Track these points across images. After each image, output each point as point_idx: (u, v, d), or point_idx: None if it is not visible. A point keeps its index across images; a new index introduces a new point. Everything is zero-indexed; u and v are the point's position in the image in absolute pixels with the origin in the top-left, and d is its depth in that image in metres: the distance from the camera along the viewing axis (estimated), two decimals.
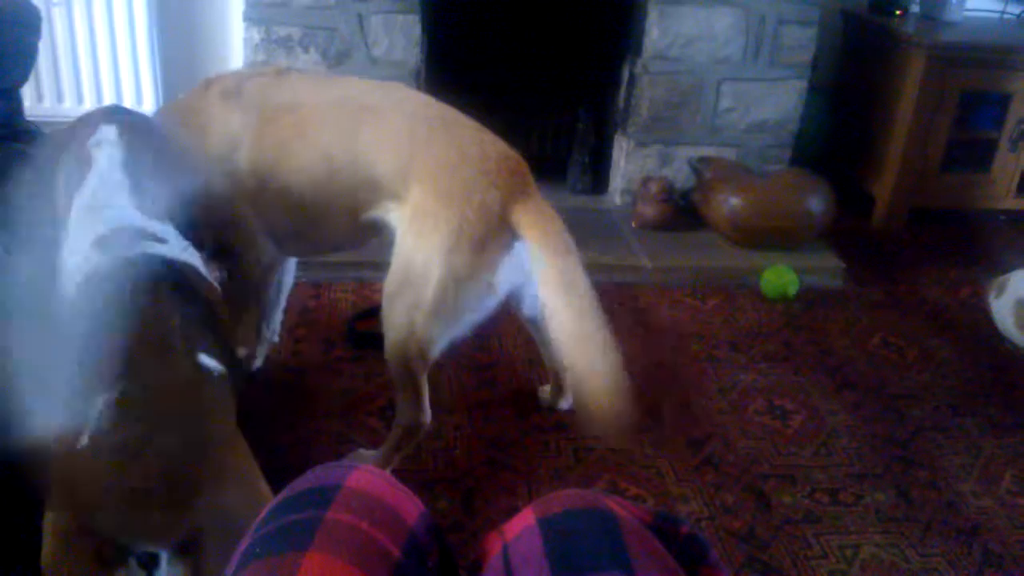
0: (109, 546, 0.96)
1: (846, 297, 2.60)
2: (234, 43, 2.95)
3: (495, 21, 2.83)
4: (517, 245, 1.57)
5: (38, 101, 2.83)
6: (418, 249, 1.54)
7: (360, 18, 2.63)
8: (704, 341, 2.30)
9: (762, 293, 2.54)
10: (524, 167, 1.62)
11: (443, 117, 1.67)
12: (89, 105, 2.89)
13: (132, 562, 0.97)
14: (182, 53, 3.00)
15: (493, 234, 1.53)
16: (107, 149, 1.40)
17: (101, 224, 1.31)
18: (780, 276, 2.51)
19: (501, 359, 2.15)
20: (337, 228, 1.73)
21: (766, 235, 2.66)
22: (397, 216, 1.59)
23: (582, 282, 1.52)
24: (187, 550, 0.98)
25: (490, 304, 1.62)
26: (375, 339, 2.14)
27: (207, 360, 1.23)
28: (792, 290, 2.50)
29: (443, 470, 1.77)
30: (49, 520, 1.00)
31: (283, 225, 1.73)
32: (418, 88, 2.69)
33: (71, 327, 1.23)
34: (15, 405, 1.19)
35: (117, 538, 0.95)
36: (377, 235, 1.70)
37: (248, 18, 2.60)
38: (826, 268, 2.66)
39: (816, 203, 2.66)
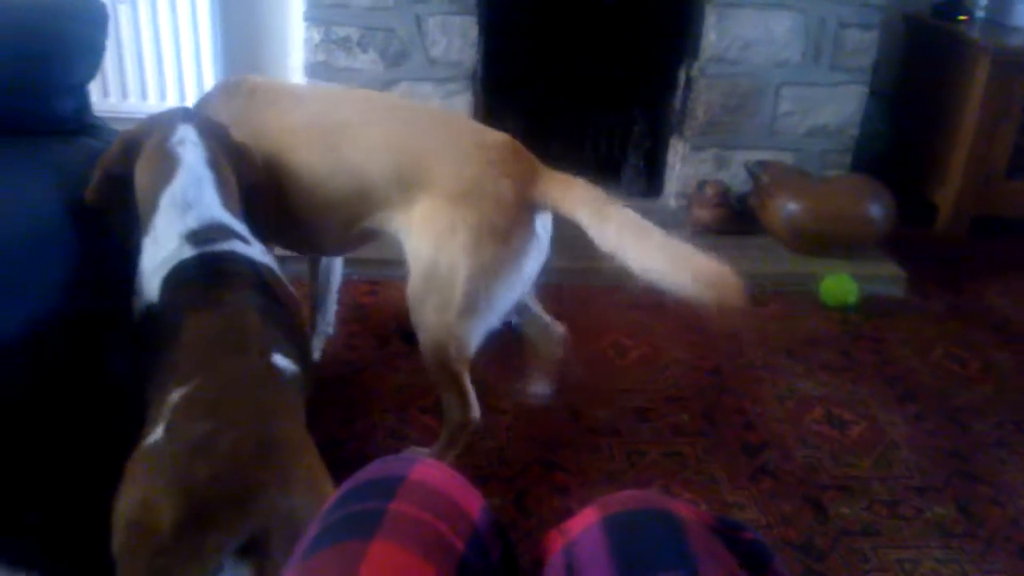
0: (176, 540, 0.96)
1: (907, 306, 2.54)
2: (294, 42, 2.99)
3: (552, 23, 2.83)
4: (539, 229, 1.59)
5: (104, 97, 2.90)
6: (441, 251, 1.53)
7: (418, 19, 2.64)
8: (761, 348, 2.26)
9: (821, 300, 2.49)
10: (524, 149, 1.63)
11: (435, 119, 1.69)
12: (153, 101, 2.95)
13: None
14: (244, 51, 3.05)
15: (514, 223, 1.54)
16: (192, 148, 1.47)
17: (192, 219, 1.39)
18: (840, 284, 2.46)
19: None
20: (329, 240, 1.77)
21: (825, 241, 2.62)
22: (402, 224, 1.59)
23: (638, 220, 1.53)
24: (252, 550, 0.98)
25: (521, 291, 1.63)
26: None
27: (281, 361, 1.25)
28: (852, 298, 2.45)
29: (495, 468, 1.77)
30: (120, 511, 1.02)
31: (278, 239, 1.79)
32: (474, 89, 2.71)
33: (155, 319, 1.29)
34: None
35: (183, 533, 0.96)
36: (373, 241, 1.74)
37: (308, 18, 2.63)
38: (887, 276, 2.60)
39: (876, 209, 2.60)
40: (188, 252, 1.34)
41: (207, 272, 1.32)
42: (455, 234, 1.52)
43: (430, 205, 1.55)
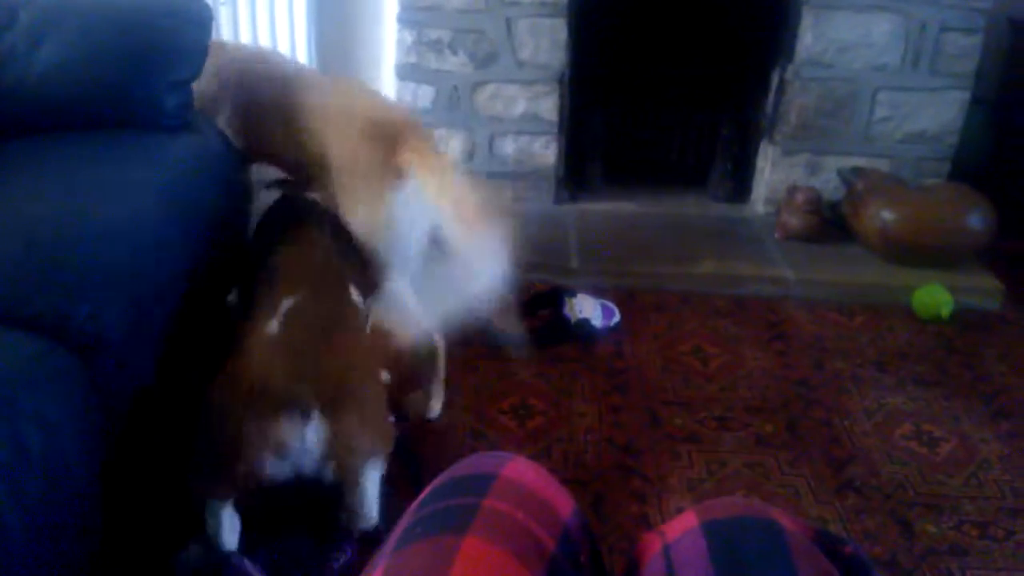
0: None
1: (1004, 321, 2.44)
2: (386, 44, 3.04)
3: (640, 23, 2.81)
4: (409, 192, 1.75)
5: None
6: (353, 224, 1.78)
7: (508, 22, 2.66)
8: (849, 360, 2.21)
9: (914, 312, 2.41)
10: (412, 123, 1.83)
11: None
12: None
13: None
14: (338, 53, 3.12)
15: (389, 184, 1.73)
16: None
17: (268, 174, 1.87)
18: (933, 295, 2.38)
19: (634, 365, 2.13)
20: None
21: (920, 252, 2.53)
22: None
23: (471, 198, 1.70)
24: (329, 413, 1.35)
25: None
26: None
27: (355, 294, 1.63)
28: (946, 311, 2.37)
29: (573, 472, 1.77)
30: (239, 370, 1.35)
31: None
32: (560, 91, 2.71)
33: (264, 243, 1.70)
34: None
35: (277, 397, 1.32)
36: None
37: (401, 21, 2.68)
38: (984, 289, 2.50)
39: (975, 220, 2.51)
40: (269, 198, 1.76)
41: (292, 212, 1.74)
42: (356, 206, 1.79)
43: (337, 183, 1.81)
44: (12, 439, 1.06)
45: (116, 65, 1.72)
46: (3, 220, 1.38)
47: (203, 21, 1.84)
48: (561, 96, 2.74)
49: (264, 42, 2.98)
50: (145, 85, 1.73)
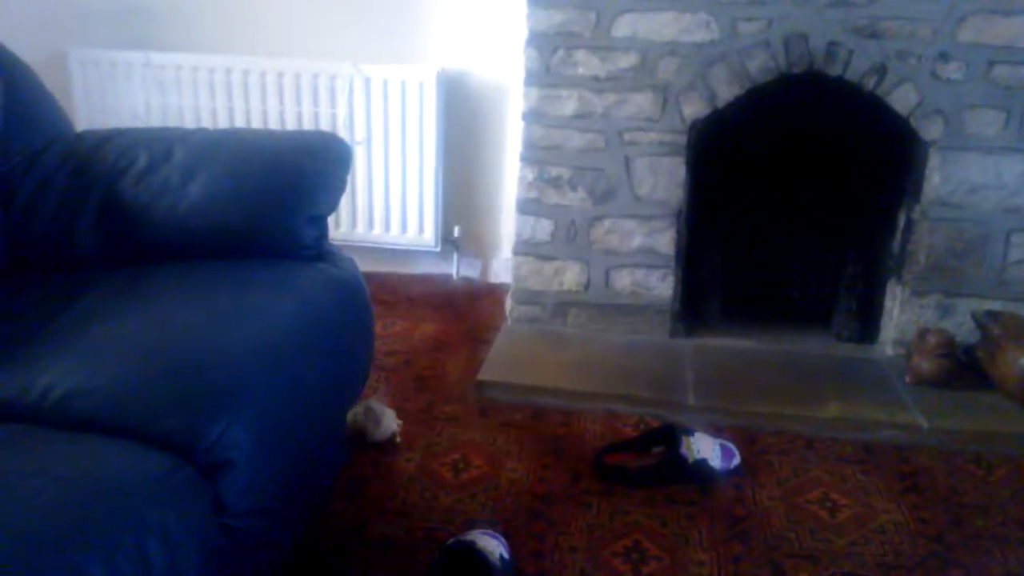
0: None
1: None
2: (508, 180, 3.17)
3: (760, 159, 2.82)
4: None
5: (335, 227, 3.17)
6: None
7: (627, 160, 2.73)
8: (989, 517, 2.04)
9: None
10: None
11: None
12: (378, 231, 3.21)
13: None
14: (462, 191, 3.27)
15: None
16: None
17: None
18: None
19: (755, 511, 2.03)
20: None
21: None
22: None
23: None
24: None
25: None
26: (624, 473, 2.12)
27: None
28: None
29: None
30: None
31: None
32: (678, 226, 2.73)
33: None
34: None
35: None
36: None
37: (524, 159, 2.78)
38: None
39: None
40: None
41: None
42: None
43: None
44: (136, 553, 1.08)
45: (260, 200, 1.83)
46: (144, 339, 1.46)
47: (342, 160, 1.95)
48: (678, 231, 2.76)
49: (395, 179, 3.16)
50: (286, 219, 1.83)
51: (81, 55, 3.23)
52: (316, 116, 3.15)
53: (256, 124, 3.18)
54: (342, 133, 3.06)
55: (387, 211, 3.20)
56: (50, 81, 2.10)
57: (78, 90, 3.24)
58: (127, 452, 1.23)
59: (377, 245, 3.25)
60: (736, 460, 2.17)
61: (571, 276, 2.86)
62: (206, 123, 3.22)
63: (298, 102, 3.15)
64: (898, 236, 2.74)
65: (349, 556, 1.82)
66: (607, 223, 2.79)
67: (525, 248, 2.87)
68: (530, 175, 2.79)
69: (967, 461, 2.27)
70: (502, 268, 3.33)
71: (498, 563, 1.69)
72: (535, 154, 2.77)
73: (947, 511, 2.06)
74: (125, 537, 1.08)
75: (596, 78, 2.68)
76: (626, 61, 2.65)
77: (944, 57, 2.49)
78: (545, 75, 2.71)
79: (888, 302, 2.78)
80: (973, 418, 2.40)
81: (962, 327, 2.64)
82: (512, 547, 1.82)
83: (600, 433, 2.35)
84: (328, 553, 1.82)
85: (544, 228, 2.83)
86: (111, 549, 1.06)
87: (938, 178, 2.58)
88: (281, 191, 1.85)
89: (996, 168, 2.55)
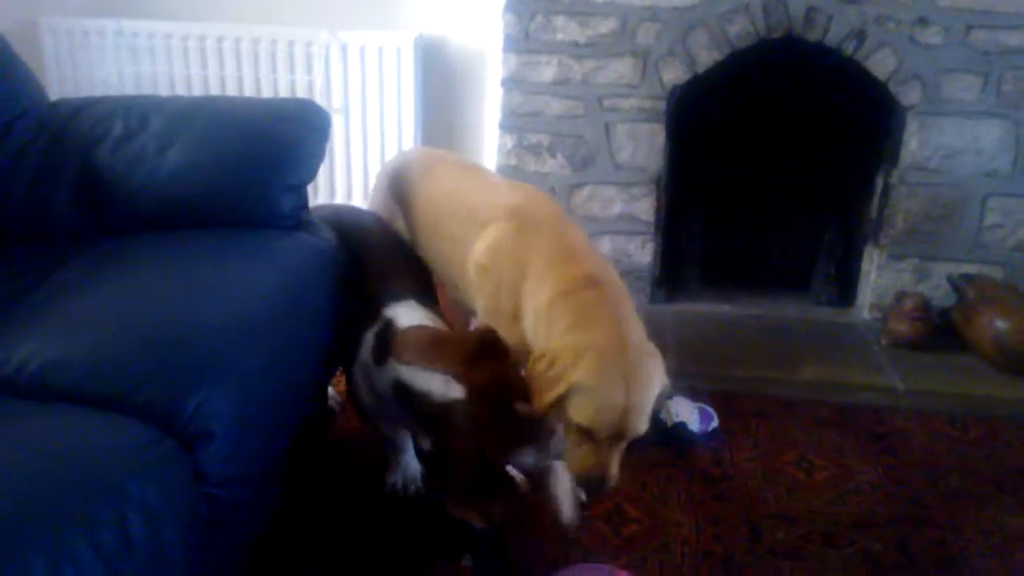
0: None
1: None
2: (487, 148, 3.15)
3: (740, 126, 2.82)
4: None
5: (313, 197, 3.14)
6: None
7: (607, 127, 2.72)
8: (964, 477, 2.08)
9: None
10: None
11: None
12: (357, 202, 3.18)
13: None
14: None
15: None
16: None
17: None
18: None
19: (733, 473, 2.06)
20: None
21: None
22: None
23: None
24: None
25: None
26: None
27: None
28: None
29: None
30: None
31: None
32: (657, 193, 2.73)
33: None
34: None
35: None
36: None
37: (503, 127, 2.77)
38: None
39: None
40: None
41: None
42: None
43: None
44: (118, 523, 1.09)
45: (237, 168, 1.82)
46: (123, 310, 1.46)
47: (320, 128, 1.92)
48: (658, 198, 2.76)
49: (374, 147, 3.13)
50: (263, 187, 1.81)
51: (52, 23, 3.16)
52: (292, 84, 3.10)
53: (231, 92, 3.13)
54: (319, 101, 3.00)
55: (365, 180, 3.17)
56: (20, 50, 2.05)
57: (49, 59, 3.18)
58: (106, 424, 1.23)
59: None
60: (714, 423, 2.20)
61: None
62: (181, 92, 3.16)
63: (274, 70, 3.10)
64: (875, 201, 2.76)
65: (328, 524, 1.83)
66: (587, 190, 2.79)
67: None
68: (509, 142, 2.77)
69: (942, 422, 2.31)
70: None
71: None
72: (514, 121, 2.76)
73: (922, 471, 2.10)
74: (106, 511, 1.09)
75: (575, 43, 2.66)
76: (605, 26, 2.63)
77: (923, 22, 2.49)
78: (524, 41, 2.68)
79: (865, 266, 2.81)
80: (948, 380, 2.44)
81: (938, 290, 2.67)
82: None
83: None
84: (310, 520, 1.84)
85: None
86: (92, 523, 1.06)
87: (915, 143, 2.59)
88: (258, 160, 1.84)
89: (973, 133, 2.56)
